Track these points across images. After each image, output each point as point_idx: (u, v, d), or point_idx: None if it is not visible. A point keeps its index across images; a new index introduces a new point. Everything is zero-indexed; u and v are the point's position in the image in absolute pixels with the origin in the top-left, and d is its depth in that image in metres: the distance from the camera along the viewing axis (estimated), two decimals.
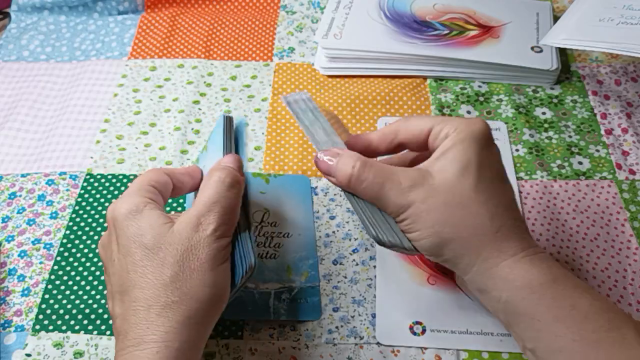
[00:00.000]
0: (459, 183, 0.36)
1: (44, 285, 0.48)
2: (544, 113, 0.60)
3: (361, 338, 0.44)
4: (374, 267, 0.48)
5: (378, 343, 0.44)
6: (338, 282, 0.47)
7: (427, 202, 0.36)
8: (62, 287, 0.47)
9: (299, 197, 0.52)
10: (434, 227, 0.36)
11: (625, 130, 0.58)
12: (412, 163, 0.43)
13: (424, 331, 0.44)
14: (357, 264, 0.49)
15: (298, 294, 0.46)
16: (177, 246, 0.35)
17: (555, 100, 0.61)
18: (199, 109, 0.61)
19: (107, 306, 0.37)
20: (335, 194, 0.53)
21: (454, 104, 0.61)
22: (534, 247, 0.37)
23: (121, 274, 0.35)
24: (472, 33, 0.65)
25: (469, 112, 0.60)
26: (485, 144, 0.38)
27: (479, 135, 0.37)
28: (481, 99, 0.62)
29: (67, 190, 0.54)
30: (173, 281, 0.34)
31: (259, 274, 0.47)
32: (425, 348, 0.44)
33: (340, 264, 0.49)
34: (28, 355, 0.44)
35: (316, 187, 0.54)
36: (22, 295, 0.47)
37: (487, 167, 0.37)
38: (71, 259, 0.49)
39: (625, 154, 0.56)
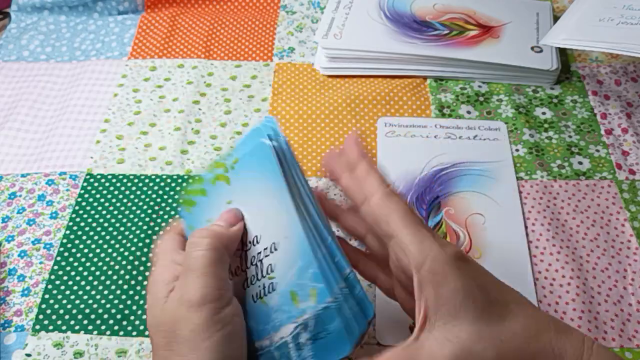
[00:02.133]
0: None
1: (44, 285, 0.48)
2: (544, 113, 0.60)
3: None
4: None
5: (378, 343, 0.44)
6: None
7: None
8: (62, 287, 0.47)
9: (267, 181, 0.35)
10: None
11: (625, 130, 0.58)
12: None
13: None
14: None
15: (317, 326, 0.32)
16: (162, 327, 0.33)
17: (555, 100, 0.61)
18: (199, 109, 0.61)
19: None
20: (335, 194, 0.53)
21: (454, 104, 0.61)
22: (583, 345, 0.31)
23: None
24: (472, 33, 0.65)
25: (469, 112, 0.60)
26: (459, 267, 0.31)
27: (449, 260, 0.31)
28: (481, 99, 0.62)
29: (67, 190, 0.54)
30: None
31: (266, 322, 0.34)
32: None
33: None
34: (28, 355, 0.44)
35: (316, 187, 0.54)
36: (22, 295, 0.47)
37: (478, 295, 0.31)
38: (71, 259, 0.49)
39: (625, 154, 0.56)
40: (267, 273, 0.34)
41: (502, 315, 0.31)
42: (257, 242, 0.35)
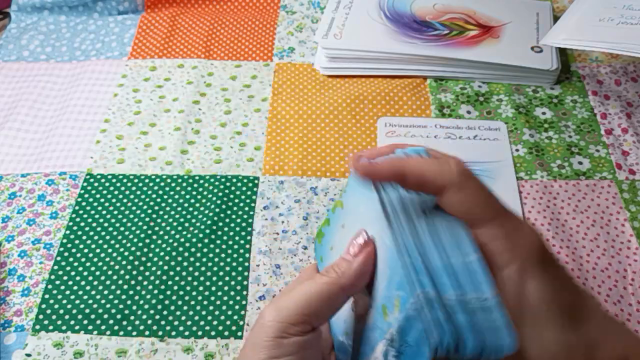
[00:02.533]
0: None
1: (44, 285, 0.48)
2: (544, 113, 0.60)
3: None
4: None
5: None
6: None
7: None
8: (62, 287, 0.47)
9: (363, 194, 0.31)
10: None
11: (625, 130, 0.58)
12: None
13: None
14: None
15: (400, 339, 0.27)
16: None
17: (555, 100, 0.61)
18: (199, 109, 0.61)
19: None
20: (335, 194, 0.53)
21: (454, 104, 0.61)
22: None
23: None
24: (472, 33, 0.65)
25: (469, 112, 0.60)
26: (544, 269, 0.28)
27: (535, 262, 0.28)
28: (481, 99, 0.62)
29: (67, 190, 0.54)
30: None
31: (367, 343, 0.30)
32: None
33: None
34: (28, 355, 0.44)
35: (316, 187, 0.54)
36: (22, 295, 0.47)
37: (562, 300, 0.28)
38: (71, 259, 0.49)
39: (625, 154, 0.56)
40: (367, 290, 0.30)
41: (580, 321, 0.28)
42: None
